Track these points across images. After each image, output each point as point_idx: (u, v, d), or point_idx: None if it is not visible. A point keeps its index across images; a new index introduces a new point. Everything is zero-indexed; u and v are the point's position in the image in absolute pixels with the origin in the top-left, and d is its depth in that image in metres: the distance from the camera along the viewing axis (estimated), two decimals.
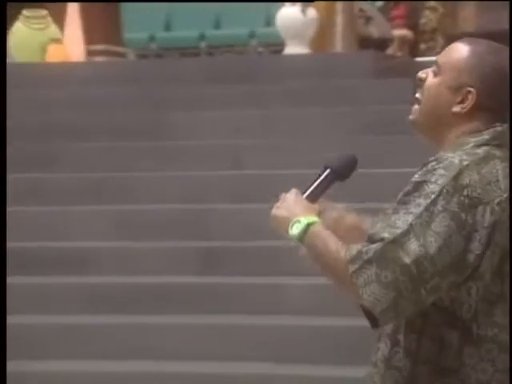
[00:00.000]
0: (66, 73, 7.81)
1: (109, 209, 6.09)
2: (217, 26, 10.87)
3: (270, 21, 10.11)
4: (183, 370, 5.02)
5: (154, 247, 5.80)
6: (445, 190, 1.97)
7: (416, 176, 2.02)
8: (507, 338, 2.06)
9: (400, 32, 9.70)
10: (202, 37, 10.46)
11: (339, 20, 8.18)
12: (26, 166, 6.49)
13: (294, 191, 2.14)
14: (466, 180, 2.00)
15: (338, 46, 8.19)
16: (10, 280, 5.63)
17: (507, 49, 2.17)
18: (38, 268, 5.69)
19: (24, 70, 7.97)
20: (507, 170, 2.05)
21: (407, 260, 1.92)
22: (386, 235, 1.94)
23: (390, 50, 9.29)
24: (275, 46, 9.61)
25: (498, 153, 2.07)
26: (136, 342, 5.17)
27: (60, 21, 9.05)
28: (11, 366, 5.08)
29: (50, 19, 8.84)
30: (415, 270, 1.93)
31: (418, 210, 1.96)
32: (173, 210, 5.97)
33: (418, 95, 2.16)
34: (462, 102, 2.11)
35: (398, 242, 1.93)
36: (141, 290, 5.48)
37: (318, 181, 2.16)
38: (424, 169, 2.02)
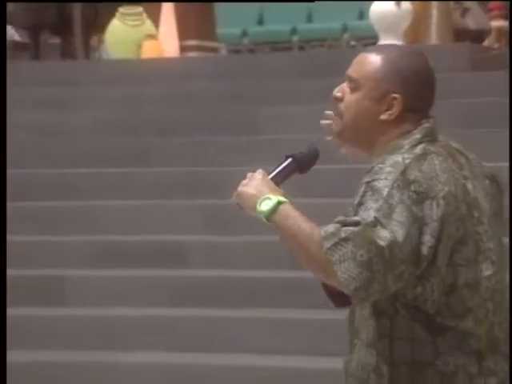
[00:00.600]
0: (160, 68, 7.89)
1: (201, 203, 6.12)
2: (309, 19, 10.82)
3: (362, 14, 10.02)
4: (263, 363, 5.01)
5: (243, 241, 5.81)
6: (396, 185, 2.04)
7: (365, 178, 2.08)
8: (468, 324, 2.11)
9: (497, 23, 9.49)
10: (294, 31, 10.44)
11: (434, 12, 8.05)
12: (121, 161, 6.58)
13: (261, 171, 2.19)
14: (411, 176, 2.06)
15: (433, 38, 8.06)
16: (102, 273, 5.73)
17: (417, 50, 2.24)
18: (129, 261, 5.76)
19: (120, 66, 8.09)
20: (444, 164, 2.11)
21: (382, 243, 1.98)
22: (359, 219, 2.00)
23: (486, 42, 9.10)
24: (368, 39, 9.51)
25: (432, 148, 2.13)
26: (223, 335, 5.19)
27: (155, 17, 9.15)
28: (100, 357, 5.17)
29: (145, 16, 8.95)
30: (388, 254, 1.99)
31: (377, 205, 2.01)
32: None
33: (334, 112, 2.20)
34: (388, 109, 2.15)
35: (371, 227, 1.99)
36: (229, 284, 5.50)
37: (280, 168, 2.24)
38: (370, 172, 2.08)
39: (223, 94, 7.12)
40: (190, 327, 5.29)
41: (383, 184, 2.03)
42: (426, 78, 2.20)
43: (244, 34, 10.61)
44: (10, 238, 6.03)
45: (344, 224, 2.01)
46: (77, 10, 10.37)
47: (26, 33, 10.67)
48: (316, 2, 10.62)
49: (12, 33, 11.46)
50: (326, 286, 2.16)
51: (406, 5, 7.91)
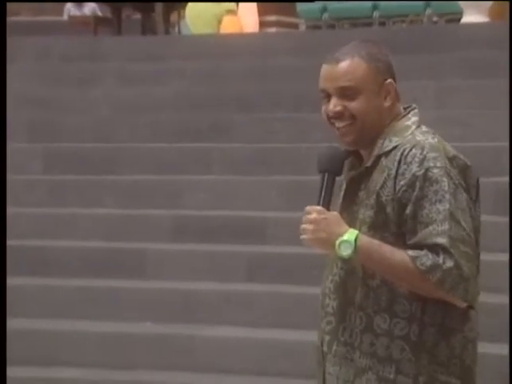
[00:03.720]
0: (239, 44, 7.89)
1: (281, 179, 6.12)
2: None
3: None
4: None
5: None
6: (447, 170, 2.20)
7: (413, 169, 2.20)
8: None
9: None
10: (375, 6, 10.31)
11: None
12: (200, 136, 6.62)
13: (315, 209, 2.28)
14: (450, 153, 2.25)
15: None
16: (183, 247, 5.78)
17: (372, 40, 2.42)
18: (209, 236, 5.80)
19: (199, 41, 8.12)
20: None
21: (466, 249, 2.17)
22: (440, 240, 2.15)
23: None
24: (450, 14, 9.35)
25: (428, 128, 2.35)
26: (301, 311, 5.19)
27: None
28: (177, 329, 5.22)
29: None
30: (473, 252, 2.20)
31: (441, 197, 2.17)
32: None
33: (342, 124, 2.29)
34: (387, 95, 2.33)
35: (453, 239, 2.15)
36: (309, 261, 5.48)
37: (324, 189, 2.29)
38: (410, 160, 2.21)
39: (302, 70, 7.07)
40: (267, 303, 5.32)
41: (437, 173, 2.18)
42: (390, 60, 2.40)
43: (324, 9, 10.53)
44: (94, 210, 6.14)
45: (428, 247, 2.16)
46: None
47: (107, 8, 10.79)
48: None
49: (94, 8, 11.61)
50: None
51: None
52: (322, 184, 2.29)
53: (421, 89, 6.62)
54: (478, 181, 2.29)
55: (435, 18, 10.00)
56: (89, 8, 11.71)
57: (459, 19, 8.33)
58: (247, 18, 9.10)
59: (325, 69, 2.34)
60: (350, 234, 2.20)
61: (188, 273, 5.56)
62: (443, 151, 2.22)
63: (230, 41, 8.06)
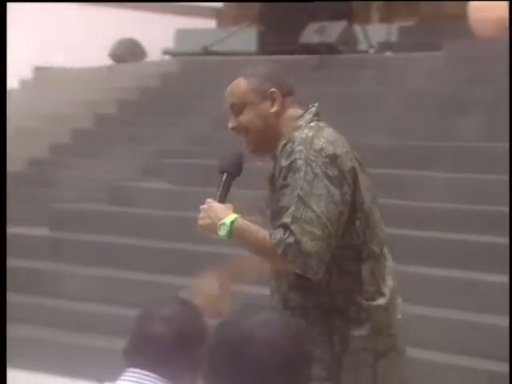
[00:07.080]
0: None
1: None
2: None
3: None
4: None
5: None
6: (309, 160, 2.53)
7: (282, 162, 2.57)
8: (382, 249, 2.63)
9: None
10: None
11: None
12: None
13: (207, 201, 2.64)
14: (318, 146, 2.55)
15: None
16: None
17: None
18: None
19: None
20: (337, 133, 2.63)
21: (313, 229, 2.50)
22: (286, 220, 2.51)
23: None
24: None
25: (322, 124, 2.66)
26: None
27: None
28: None
29: None
30: (320, 232, 2.50)
31: (298, 184, 2.52)
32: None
33: (242, 136, 2.68)
34: (273, 102, 2.66)
35: (297, 219, 2.50)
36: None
37: (221, 186, 2.66)
38: (284, 154, 2.57)
39: None
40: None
41: (299, 164, 2.51)
42: (278, 73, 2.72)
43: None
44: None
45: (284, 227, 2.50)
46: None
47: None
48: None
49: None
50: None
51: None
52: (220, 182, 2.65)
53: None
54: (353, 168, 2.54)
55: None
56: None
57: None
58: None
59: None
60: (229, 218, 2.55)
61: None
62: (309, 144, 2.52)
63: None
